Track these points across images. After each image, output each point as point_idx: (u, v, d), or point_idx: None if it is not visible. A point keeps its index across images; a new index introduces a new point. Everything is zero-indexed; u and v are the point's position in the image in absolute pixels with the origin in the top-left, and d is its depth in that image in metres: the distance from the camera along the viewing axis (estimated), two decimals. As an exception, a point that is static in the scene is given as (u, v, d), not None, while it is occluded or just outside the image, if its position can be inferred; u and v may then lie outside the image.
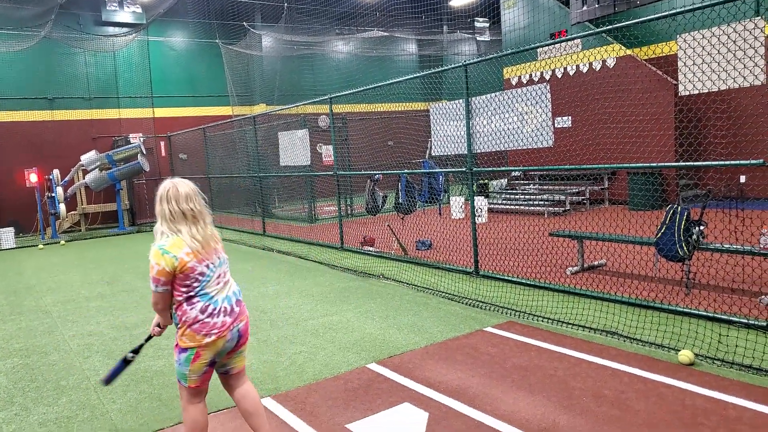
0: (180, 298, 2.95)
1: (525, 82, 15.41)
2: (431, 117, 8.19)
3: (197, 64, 20.17)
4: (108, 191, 17.05)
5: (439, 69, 7.66)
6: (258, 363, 5.04)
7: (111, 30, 18.33)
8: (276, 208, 16.96)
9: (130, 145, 16.92)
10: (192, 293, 2.93)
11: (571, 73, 14.26)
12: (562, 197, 13.01)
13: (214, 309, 2.97)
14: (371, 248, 10.00)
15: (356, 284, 7.83)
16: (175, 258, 2.87)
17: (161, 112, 19.45)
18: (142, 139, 18.26)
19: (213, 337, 2.94)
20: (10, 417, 4.30)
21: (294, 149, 11.66)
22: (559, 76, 14.46)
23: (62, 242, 14.85)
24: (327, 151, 14.91)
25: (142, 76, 18.58)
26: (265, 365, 4.98)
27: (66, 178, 16.29)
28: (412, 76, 8.34)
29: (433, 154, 8.26)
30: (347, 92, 9.74)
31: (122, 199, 17.18)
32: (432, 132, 8.12)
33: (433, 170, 8.41)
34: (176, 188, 3.00)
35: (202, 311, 2.94)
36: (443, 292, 6.90)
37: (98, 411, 4.28)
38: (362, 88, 9.29)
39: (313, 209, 14.91)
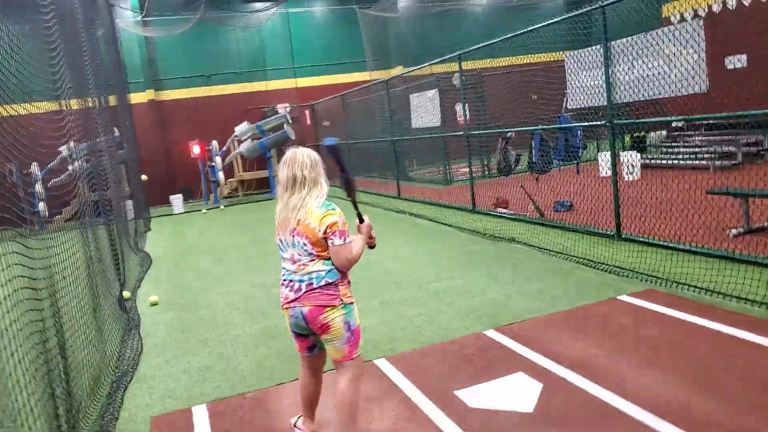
0: None
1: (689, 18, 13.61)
2: (566, 67, 7.56)
3: (335, 31, 20.61)
4: (261, 159, 18.26)
5: (571, 14, 7.00)
6: (377, 324, 5.11)
7: (257, 6, 19.36)
8: (412, 170, 17.05)
9: (277, 115, 17.94)
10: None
11: (747, 2, 12.30)
12: (732, 149, 11.42)
13: (283, 279, 3.02)
14: (504, 210, 9.64)
15: (485, 248, 7.61)
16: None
17: (305, 82, 20.31)
18: (287, 108, 19.28)
19: (282, 306, 3.01)
20: (162, 363, 4.82)
21: (425, 111, 11.53)
22: (732, 8, 12.55)
23: (222, 207, 16.31)
24: (461, 111, 14.59)
25: (285, 47, 19.47)
26: (383, 326, 5.04)
27: (223, 148, 17.76)
28: (542, 24, 7.72)
29: (570, 108, 7.65)
30: (476, 47, 9.32)
31: (273, 165, 18.35)
32: (568, 83, 7.51)
33: (569, 125, 7.79)
34: (288, 155, 3.01)
35: (281, 276, 3.05)
36: (577, 257, 6.44)
37: (232, 363, 4.64)
38: (490, 42, 8.83)
39: (448, 171, 14.73)
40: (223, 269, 8.18)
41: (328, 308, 2.88)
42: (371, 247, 3.20)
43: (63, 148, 16.77)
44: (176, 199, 16.37)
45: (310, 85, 20.44)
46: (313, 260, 2.91)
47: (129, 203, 16.51)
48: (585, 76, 7.36)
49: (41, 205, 15.30)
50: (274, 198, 17.54)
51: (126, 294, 6.97)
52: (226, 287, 7.11)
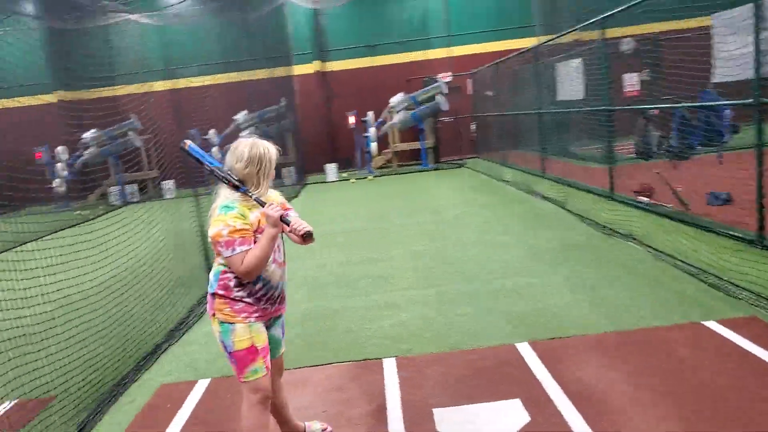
0: None
1: None
2: (713, 31, 6.20)
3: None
4: (415, 130, 18.28)
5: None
6: (412, 318, 4.82)
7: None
8: (571, 146, 15.68)
9: (431, 86, 17.73)
10: None
11: None
12: None
13: None
14: (645, 200, 8.39)
15: (590, 242, 6.72)
16: None
17: (466, 50, 19.67)
18: (449, 78, 18.93)
19: None
20: (206, 333, 5.09)
21: (570, 81, 10.45)
22: None
23: (370, 177, 16.75)
24: (630, 80, 12.97)
25: (445, 14, 18.99)
26: (416, 321, 4.74)
27: (379, 119, 18.10)
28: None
29: (716, 81, 6.30)
30: (621, 8, 8.06)
31: (426, 137, 18.28)
32: (715, 52, 6.18)
33: (713, 103, 6.37)
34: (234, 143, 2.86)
35: None
36: (690, 264, 5.35)
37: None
38: (634, 2, 7.58)
39: (611, 149, 13.19)
40: (324, 242, 8.36)
41: (212, 318, 2.74)
42: (303, 238, 2.66)
43: (238, 116, 18.53)
44: (330, 168, 17.19)
45: (474, 53, 19.74)
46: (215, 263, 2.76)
47: (290, 169, 17.78)
48: (736, 42, 5.97)
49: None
50: (425, 170, 17.57)
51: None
52: (317, 261, 7.25)
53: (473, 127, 19.53)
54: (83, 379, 4.02)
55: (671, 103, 7.54)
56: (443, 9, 19.25)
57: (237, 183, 2.66)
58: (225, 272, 2.68)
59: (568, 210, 8.69)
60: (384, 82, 19.50)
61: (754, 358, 3.52)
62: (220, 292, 2.69)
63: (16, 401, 3.84)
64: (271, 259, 2.72)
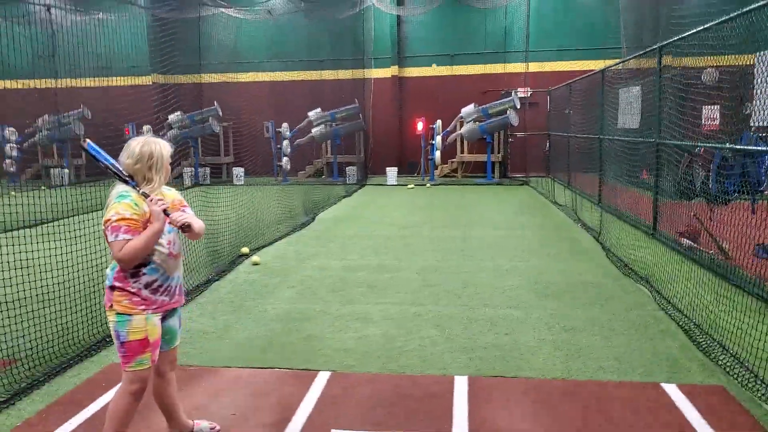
0: None
1: None
2: (756, 70, 5.67)
3: (590, 9, 18.65)
4: (482, 142, 17.94)
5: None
6: (378, 335, 4.78)
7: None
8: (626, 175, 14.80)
9: (504, 100, 17.39)
10: None
11: None
12: None
13: None
14: (688, 242, 7.78)
15: (600, 280, 6.35)
16: None
17: (550, 66, 19.08)
18: (529, 92, 18.47)
19: None
20: (193, 317, 5.33)
21: (630, 109, 9.90)
22: None
23: (428, 185, 16.68)
24: (710, 113, 12.08)
25: (525, 28, 18.48)
26: (382, 338, 4.70)
27: (447, 128, 17.99)
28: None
29: (757, 125, 5.75)
30: (677, 38, 7.49)
31: (492, 150, 17.94)
32: (755, 92, 5.65)
33: (754, 148, 5.77)
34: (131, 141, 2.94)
35: None
36: (693, 322, 4.91)
37: (235, 334, 4.89)
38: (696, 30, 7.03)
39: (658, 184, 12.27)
40: (348, 244, 8.44)
41: (108, 309, 2.85)
42: (182, 229, 2.84)
43: (311, 113, 19.08)
44: (391, 171, 17.30)
45: (559, 70, 19.09)
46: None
47: (353, 169, 18.06)
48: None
49: (284, 160, 17.72)
50: (486, 183, 17.24)
51: (245, 249, 7.80)
52: (322, 262, 7.35)
53: (547, 145, 18.94)
54: (49, 348, 4.36)
55: (715, 142, 6.93)
56: (525, 23, 18.75)
57: (126, 178, 2.80)
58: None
59: (600, 242, 8.25)
60: (459, 92, 19.31)
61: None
62: (117, 284, 2.81)
63: (-12, 358, 4.22)
64: (166, 251, 2.86)
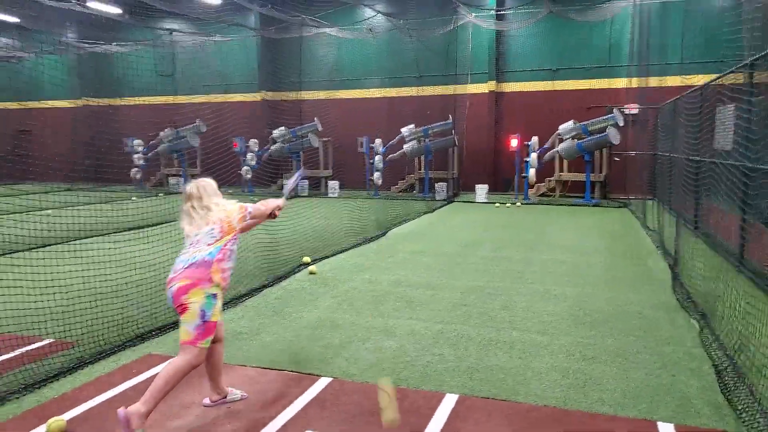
0: None
1: None
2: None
3: (707, 18, 17.31)
4: (581, 160, 17.27)
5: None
6: (393, 348, 4.93)
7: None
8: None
9: (605, 117, 16.69)
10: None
11: None
12: None
13: (175, 263, 3.59)
14: (775, 275, 7.10)
15: (649, 312, 6.00)
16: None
17: (669, 81, 17.90)
18: (635, 110, 17.57)
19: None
20: (233, 318, 5.81)
21: (724, 129, 9.19)
22: None
23: (518, 204, 16.33)
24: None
25: (636, 43, 17.58)
26: (394, 352, 4.84)
27: (544, 146, 17.54)
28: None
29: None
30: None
31: (592, 170, 17.22)
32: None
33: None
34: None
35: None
36: (734, 363, 4.55)
37: (246, 341, 5.28)
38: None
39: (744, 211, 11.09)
40: (404, 260, 8.61)
41: (194, 289, 3.48)
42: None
43: (404, 129, 19.55)
44: (481, 189, 17.17)
45: (670, 85, 17.96)
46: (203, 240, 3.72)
47: (443, 185, 18.19)
48: None
49: (376, 175, 18.24)
50: (584, 204, 16.55)
51: (306, 259, 8.25)
52: (372, 276, 7.58)
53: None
54: (103, 336, 5.00)
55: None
56: (633, 36, 17.84)
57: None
58: (225, 245, 3.60)
59: (675, 271, 7.72)
60: (560, 109, 18.78)
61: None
62: (220, 256, 3.53)
63: (52, 340, 4.94)
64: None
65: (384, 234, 10.96)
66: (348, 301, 6.40)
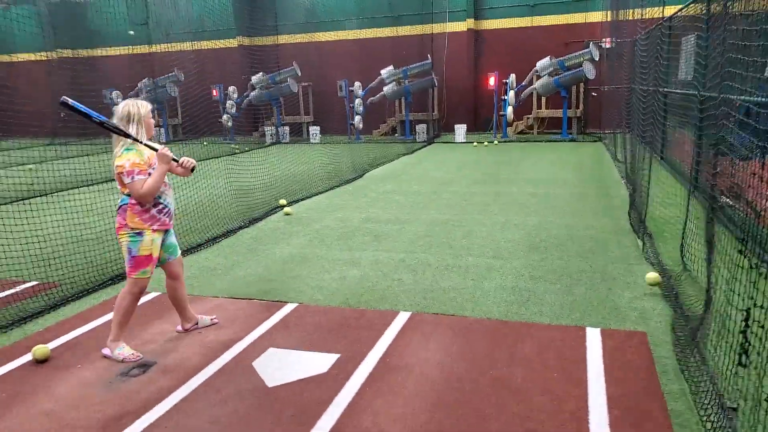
0: None
1: None
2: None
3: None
4: (558, 97, 17.39)
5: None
6: (357, 276, 5.29)
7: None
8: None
9: (580, 52, 16.72)
10: None
11: None
12: None
13: (164, 207, 3.86)
14: (727, 200, 7.45)
15: (604, 236, 6.38)
16: None
17: (651, 13, 17.82)
18: (610, 45, 17.55)
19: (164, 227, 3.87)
20: (203, 252, 6.13)
21: (687, 60, 9.37)
22: None
23: (495, 142, 16.57)
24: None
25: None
26: (358, 279, 5.20)
27: (521, 83, 17.61)
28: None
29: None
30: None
31: (569, 106, 17.37)
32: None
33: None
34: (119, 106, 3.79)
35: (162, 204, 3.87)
36: (669, 276, 4.96)
37: (216, 269, 5.62)
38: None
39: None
40: (377, 199, 8.92)
41: (120, 230, 3.75)
42: (191, 171, 3.90)
43: (383, 71, 19.46)
44: (459, 129, 17.33)
45: (639, 18, 17.86)
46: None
47: (423, 127, 18.29)
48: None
49: (357, 119, 18.31)
50: (561, 140, 16.79)
51: (282, 201, 8.54)
52: (345, 214, 7.90)
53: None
54: (85, 277, 5.33)
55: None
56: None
57: (126, 133, 3.65)
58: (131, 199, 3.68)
59: (632, 198, 8.08)
60: (539, 45, 18.69)
61: (579, 375, 3.43)
62: (132, 202, 3.66)
63: (36, 282, 5.26)
64: (164, 186, 3.78)
65: (361, 176, 11.23)
66: (319, 238, 6.74)
